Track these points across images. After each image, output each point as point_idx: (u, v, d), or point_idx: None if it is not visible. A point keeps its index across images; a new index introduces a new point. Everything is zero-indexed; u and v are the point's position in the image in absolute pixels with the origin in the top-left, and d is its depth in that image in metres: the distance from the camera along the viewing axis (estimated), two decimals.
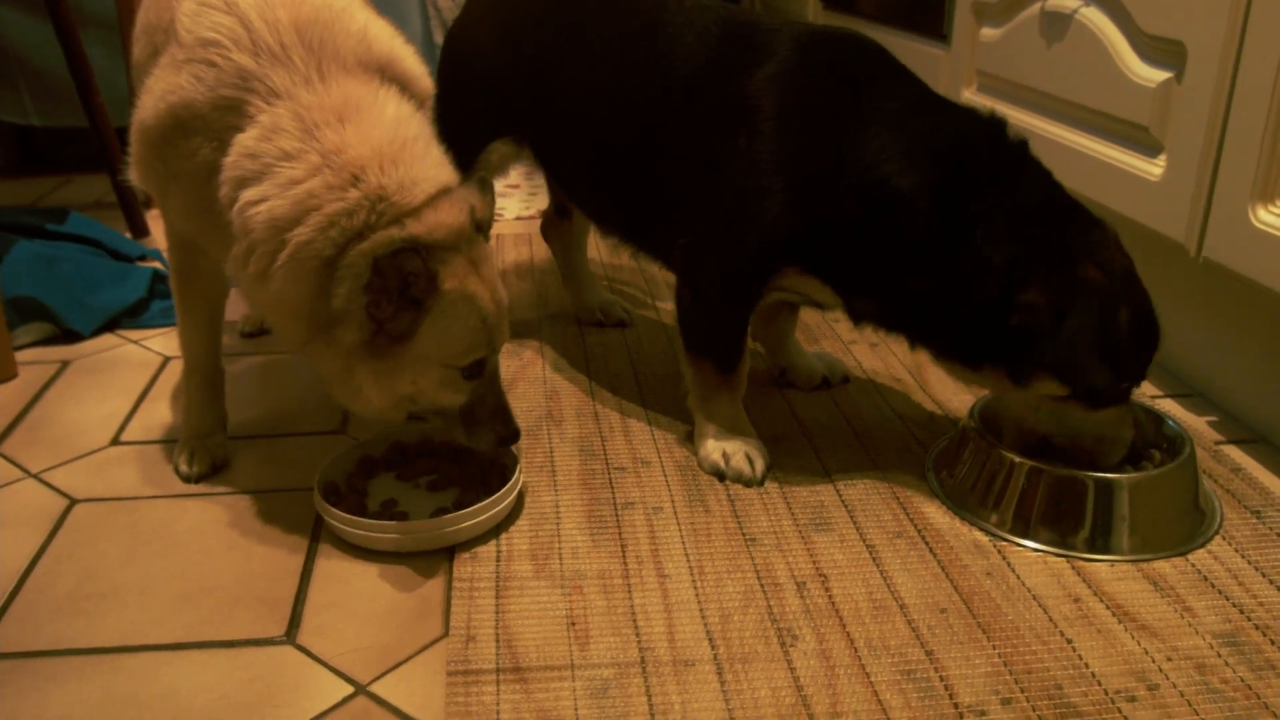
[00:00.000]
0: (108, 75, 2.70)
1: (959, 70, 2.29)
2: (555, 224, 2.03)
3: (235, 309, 1.60)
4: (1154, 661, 1.11)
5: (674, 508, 1.40)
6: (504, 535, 1.34)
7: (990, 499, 1.36)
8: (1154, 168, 1.66)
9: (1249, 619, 1.18)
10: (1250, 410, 1.64)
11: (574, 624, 1.17)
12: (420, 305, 1.21)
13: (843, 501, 1.42)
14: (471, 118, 1.84)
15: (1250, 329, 1.63)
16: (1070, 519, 1.31)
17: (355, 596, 1.25)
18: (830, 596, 1.22)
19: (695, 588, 1.24)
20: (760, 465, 1.47)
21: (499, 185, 2.79)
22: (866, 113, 1.37)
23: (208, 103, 1.24)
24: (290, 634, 1.19)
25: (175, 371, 1.84)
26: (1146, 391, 1.74)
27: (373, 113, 1.25)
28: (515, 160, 1.84)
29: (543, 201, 2.05)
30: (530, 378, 1.78)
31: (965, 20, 2.25)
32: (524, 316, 2.05)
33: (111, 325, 2.03)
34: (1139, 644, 1.14)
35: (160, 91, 1.29)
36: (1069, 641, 1.15)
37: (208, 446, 1.52)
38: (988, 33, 2.18)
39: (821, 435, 1.60)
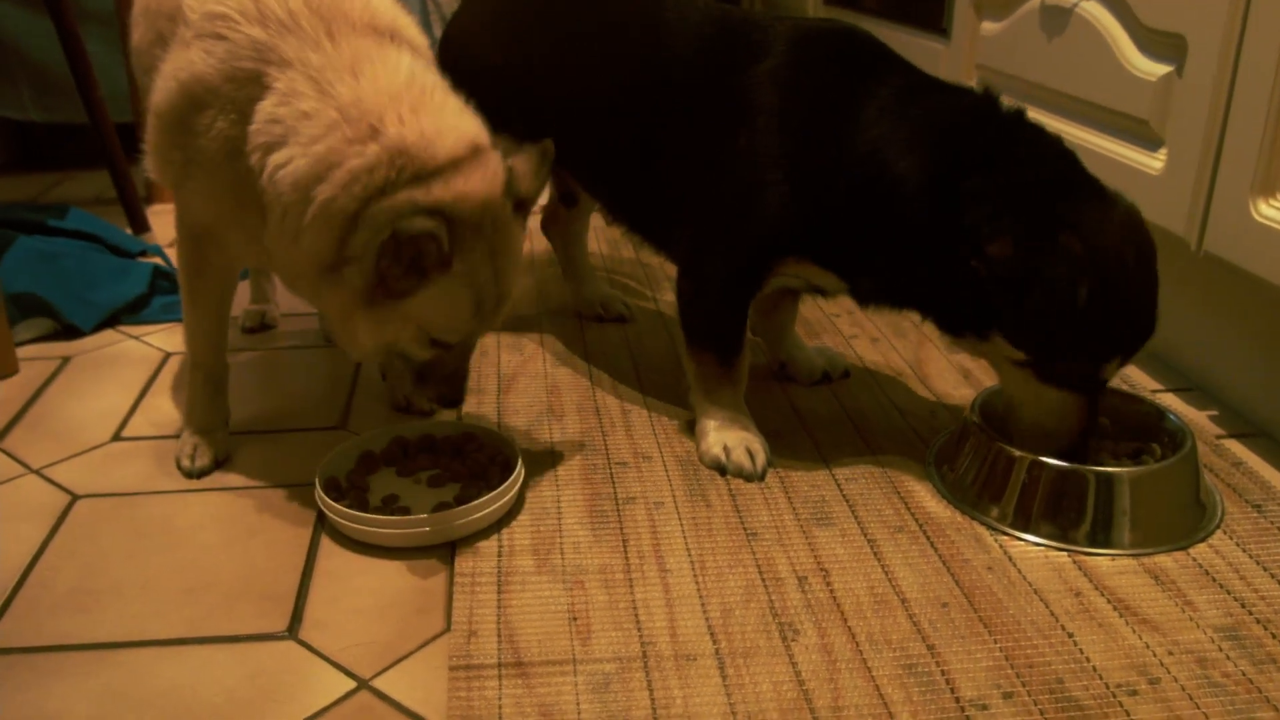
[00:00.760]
0: (107, 70, 2.70)
1: (959, 65, 2.29)
2: (556, 219, 2.03)
3: (236, 305, 1.60)
4: (1155, 655, 1.11)
5: (675, 502, 1.40)
6: (505, 530, 1.34)
7: (991, 493, 1.36)
8: (1154, 161, 1.66)
9: (1250, 613, 1.18)
10: (1251, 404, 1.64)
11: (575, 619, 1.17)
12: (425, 274, 1.21)
13: (844, 496, 1.42)
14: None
15: (1251, 323, 1.63)
16: (1071, 513, 1.31)
17: (357, 592, 1.25)
18: (831, 591, 1.22)
19: (697, 582, 1.24)
20: (761, 459, 1.47)
21: None
22: (861, 102, 1.37)
23: (219, 75, 1.25)
24: (292, 629, 1.19)
25: (176, 367, 1.84)
26: (1147, 385, 1.74)
27: (385, 64, 1.25)
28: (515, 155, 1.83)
29: (543, 197, 2.05)
30: (531, 373, 1.78)
31: (965, 14, 2.24)
32: (524, 312, 2.05)
33: (112, 321, 2.03)
34: (1140, 638, 1.14)
35: (170, 71, 1.30)
36: (1070, 636, 1.15)
37: (210, 442, 1.52)
38: (988, 27, 2.18)
39: (822, 429, 1.60)
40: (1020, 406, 1.38)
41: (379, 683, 1.10)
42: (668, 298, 2.13)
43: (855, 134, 1.36)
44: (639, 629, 1.16)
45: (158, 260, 2.24)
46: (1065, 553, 1.30)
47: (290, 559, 1.31)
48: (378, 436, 1.51)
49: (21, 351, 1.90)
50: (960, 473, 1.42)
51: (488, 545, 1.31)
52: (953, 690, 1.07)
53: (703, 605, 1.20)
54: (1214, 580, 1.24)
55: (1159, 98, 1.64)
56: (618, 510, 1.38)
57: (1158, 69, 1.65)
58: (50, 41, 2.52)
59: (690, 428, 1.56)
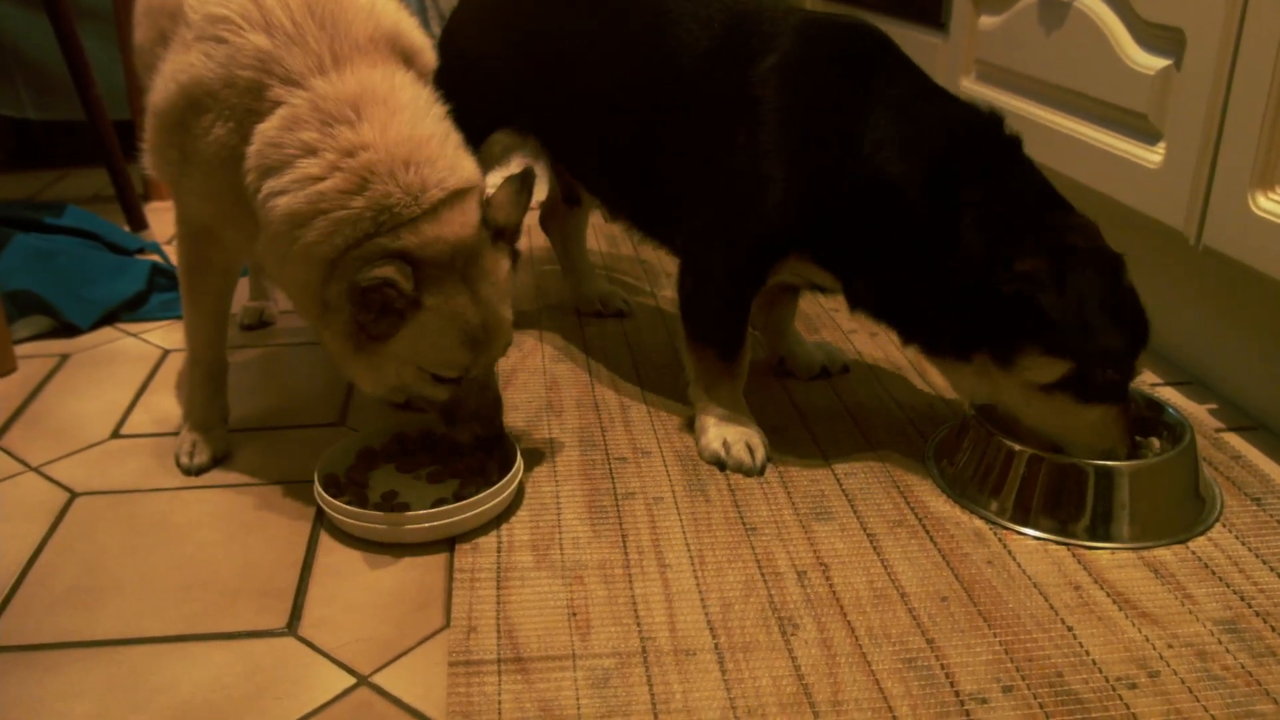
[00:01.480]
0: (104, 68, 2.69)
1: (957, 59, 2.28)
2: (554, 215, 2.03)
3: (235, 302, 1.60)
4: (1155, 649, 1.11)
5: (674, 497, 1.40)
6: (504, 526, 1.34)
7: (991, 487, 1.36)
8: (1153, 155, 1.66)
9: (1250, 606, 1.18)
10: (1250, 397, 1.64)
11: (575, 614, 1.17)
12: (401, 315, 1.24)
13: (843, 490, 1.42)
14: (471, 109, 1.83)
15: (1250, 316, 1.62)
16: (1071, 507, 1.31)
17: (356, 588, 1.25)
18: (831, 585, 1.22)
19: (696, 577, 1.24)
20: (760, 454, 1.47)
21: (498, 177, 2.80)
22: (868, 103, 1.37)
23: (219, 79, 1.25)
24: (291, 626, 1.19)
25: (175, 364, 1.84)
26: (1146, 379, 1.74)
27: (389, 104, 1.26)
28: (518, 150, 1.83)
29: (541, 193, 2.05)
30: (530, 369, 1.78)
31: (964, 8, 2.24)
32: (523, 308, 2.05)
33: (110, 318, 2.03)
34: (1140, 631, 1.14)
35: (170, 73, 1.30)
36: (1070, 629, 1.15)
37: (209, 439, 1.52)
38: (986, 21, 2.17)
39: (821, 424, 1.60)
40: (1067, 435, 1.35)
41: (378, 679, 1.10)
42: (666, 294, 2.13)
43: (858, 136, 1.36)
44: (638, 624, 1.16)
45: (155, 258, 2.23)
46: (1065, 546, 1.29)
47: (289, 555, 1.31)
48: (377, 433, 1.51)
49: (20, 349, 1.90)
50: (960, 467, 1.42)
51: (487, 541, 1.31)
52: (952, 684, 1.07)
53: (702, 600, 1.20)
54: (1213, 573, 1.24)
55: (1157, 91, 1.64)
56: (617, 505, 1.38)
57: (1156, 62, 1.65)
58: (48, 39, 2.52)
59: (690, 423, 1.56)
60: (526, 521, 1.35)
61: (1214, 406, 1.66)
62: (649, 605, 1.19)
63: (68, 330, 1.98)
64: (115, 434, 1.61)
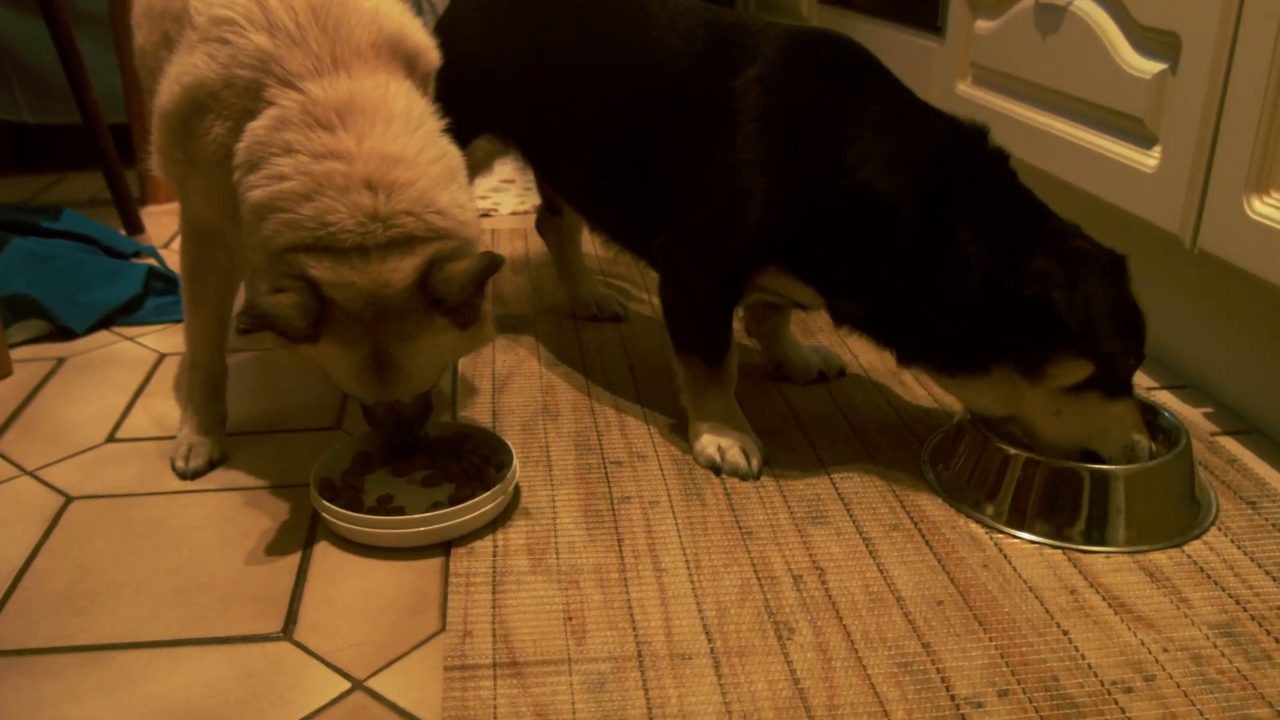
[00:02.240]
0: (101, 72, 2.69)
1: (953, 63, 2.29)
2: (548, 220, 2.03)
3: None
4: (1150, 653, 1.11)
5: (670, 501, 1.40)
6: (500, 530, 1.34)
7: (987, 491, 1.36)
8: (1149, 159, 1.66)
9: (1245, 610, 1.18)
10: (1246, 401, 1.64)
11: (570, 618, 1.17)
12: (303, 339, 1.23)
13: (839, 494, 1.42)
14: (456, 113, 1.84)
15: (1245, 320, 1.63)
16: (1066, 511, 1.31)
17: (352, 592, 1.25)
18: (827, 589, 1.22)
19: (692, 581, 1.24)
20: (756, 459, 1.47)
21: (491, 180, 2.80)
22: (850, 116, 1.37)
23: (221, 80, 1.26)
24: (287, 630, 1.19)
25: (171, 368, 1.84)
26: (1142, 383, 1.74)
27: (376, 115, 1.25)
28: (500, 157, 1.84)
29: (538, 196, 2.05)
30: (526, 372, 1.78)
31: (959, 13, 2.25)
32: (519, 312, 2.05)
33: (106, 322, 2.02)
34: (1135, 635, 1.14)
35: (175, 74, 1.30)
36: (1065, 633, 1.15)
37: (206, 443, 1.52)
38: (982, 25, 2.18)
39: (817, 429, 1.60)
40: (1095, 436, 1.35)
41: (374, 683, 1.10)
42: None
43: (841, 147, 1.36)
44: (634, 628, 1.16)
45: (152, 261, 2.23)
46: (1060, 550, 1.30)
47: (285, 560, 1.31)
48: (372, 437, 1.51)
49: (16, 353, 1.90)
50: (955, 471, 1.42)
51: (482, 545, 1.31)
52: (948, 688, 1.07)
53: (698, 604, 1.19)
54: (1209, 577, 1.24)
55: (1153, 95, 1.65)
56: (613, 510, 1.38)
57: (1152, 66, 1.65)
58: (44, 43, 2.52)
59: (686, 427, 1.56)
60: (522, 526, 1.35)
61: (1209, 410, 1.66)
62: (645, 609, 1.19)
63: (64, 334, 1.98)
64: (111, 438, 1.61)
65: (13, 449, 1.58)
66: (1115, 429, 1.34)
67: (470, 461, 1.45)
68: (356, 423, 1.64)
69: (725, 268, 1.46)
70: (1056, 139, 1.89)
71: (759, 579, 1.24)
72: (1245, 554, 1.28)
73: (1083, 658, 1.11)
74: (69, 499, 1.44)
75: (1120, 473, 1.31)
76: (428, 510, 1.33)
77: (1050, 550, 1.30)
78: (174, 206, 1.52)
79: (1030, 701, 1.05)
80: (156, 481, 1.48)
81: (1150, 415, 1.45)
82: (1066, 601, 1.20)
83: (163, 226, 2.60)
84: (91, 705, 1.07)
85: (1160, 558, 1.28)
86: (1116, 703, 1.04)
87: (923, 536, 1.32)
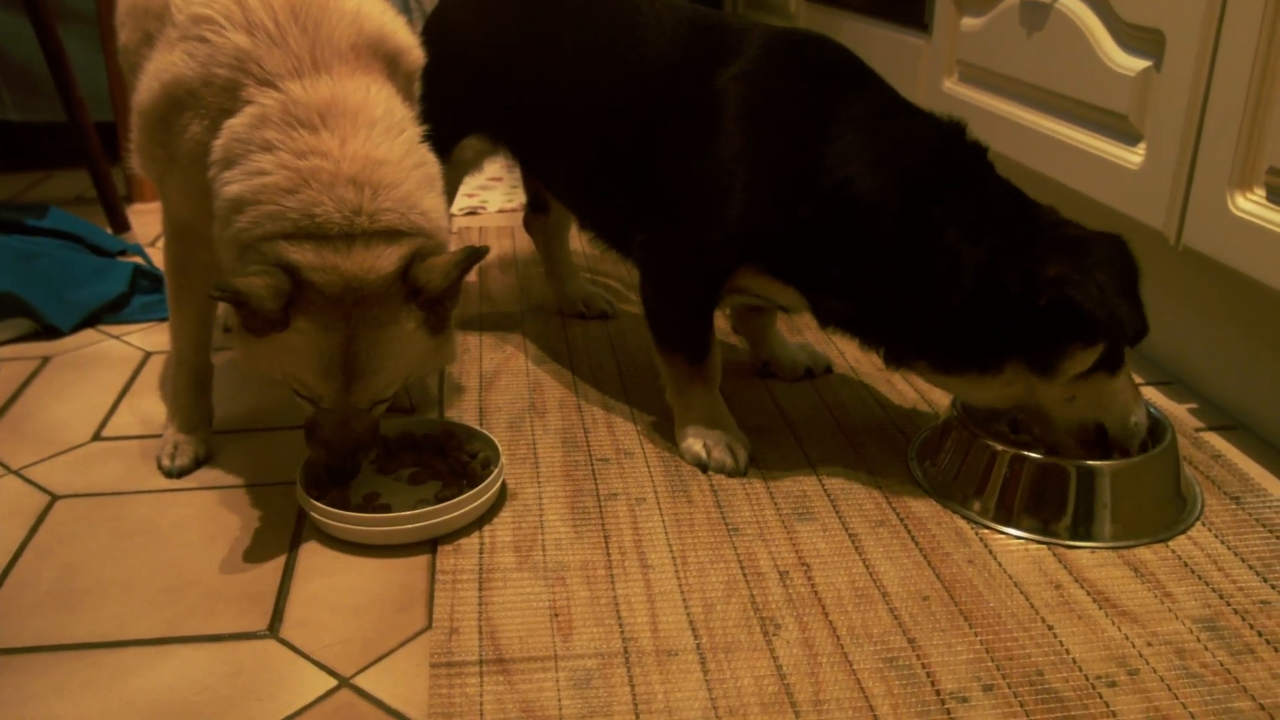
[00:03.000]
0: (87, 70, 2.68)
1: (940, 60, 2.29)
2: (535, 218, 2.03)
3: (219, 305, 1.60)
4: (1134, 647, 1.12)
5: (657, 498, 1.40)
6: (487, 527, 1.34)
7: (974, 488, 1.37)
8: (1133, 156, 1.67)
9: (1228, 604, 1.19)
10: (1229, 397, 1.64)
11: (557, 615, 1.17)
12: (269, 323, 1.20)
13: (825, 491, 1.42)
14: (444, 113, 1.84)
15: (1229, 316, 1.63)
16: (1053, 506, 1.31)
17: (338, 590, 1.25)
18: (813, 585, 1.22)
19: (678, 578, 1.24)
20: (742, 456, 1.47)
21: (479, 178, 2.80)
22: (830, 116, 1.37)
23: (199, 78, 1.26)
24: (273, 627, 1.18)
25: (156, 366, 1.83)
26: None
27: (358, 118, 1.25)
28: (489, 156, 1.84)
29: (524, 194, 2.05)
30: (514, 370, 1.78)
31: (946, 10, 2.25)
32: (507, 310, 2.05)
33: (92, 321, 2.02)
34: (1119, 630, 1.15)
35: (154, 71, 1.30)
36: (1050, 628, 1.15)
37: (192, 441, 1.52)
38: (968, 22, 2.18)
39: (804, 426, 1.60)
40: (1104, 412, 1.35)
41: (360, 680, 1.10)
42: None
43: (821, 149, 1.36)
44: (620, 625, 1.16)
45: (138, 260, 2.23)
46: (1045, 545, 1.30)
47: (271, 557, 1.31)
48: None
49: (1, 351, 1.89)
50: (942, 467, 1.42)
51: (469, 542, 1.31)
52: (933, 683, 1.07)
53: (684, 600, 1.20)
54: (1192, 572, 1.24)
55: (1138, 92, 1.65)
56: (599, 506, 1.38)
57: (1136, 64, 1.66)
58: (29, 41, 2.51)
59: (672, 425, 1.56)
60: (509, 523, 1.35)
61: (1194, 406, 1.67)
62: (631, 606, 1.19)
63: (49, 332, 1.97)
64: (97, 436, 1.60)
65: None
66: (1119, 402, 1.35)
67: (457, 459, 1.45)
68: None
69: (703, 267, 1.46)
70: (1042, 136, 1.90)
71: (745, 575, 1.24)
72: (1229, 549, 1.29)
73: (1067, 652, 1.11)
74: (55, 497, 1.44)
75: (1106, 468, 1.32)
76: (414, 507, 1.33)
77: (1035, 546, 1.30)
78: (159, 205, 1.51)
79: (1015, 696, 1.05)
80: (142, 480, 1.48)
81: None
82: (1051, 596, 1.20)
83: (149, 225, 2.60)
84: (79, 703, 1.07)
85: (1145, 553, 1.28)
86: (1101, 697, 1.05)
87: (909, 532, 1.33)
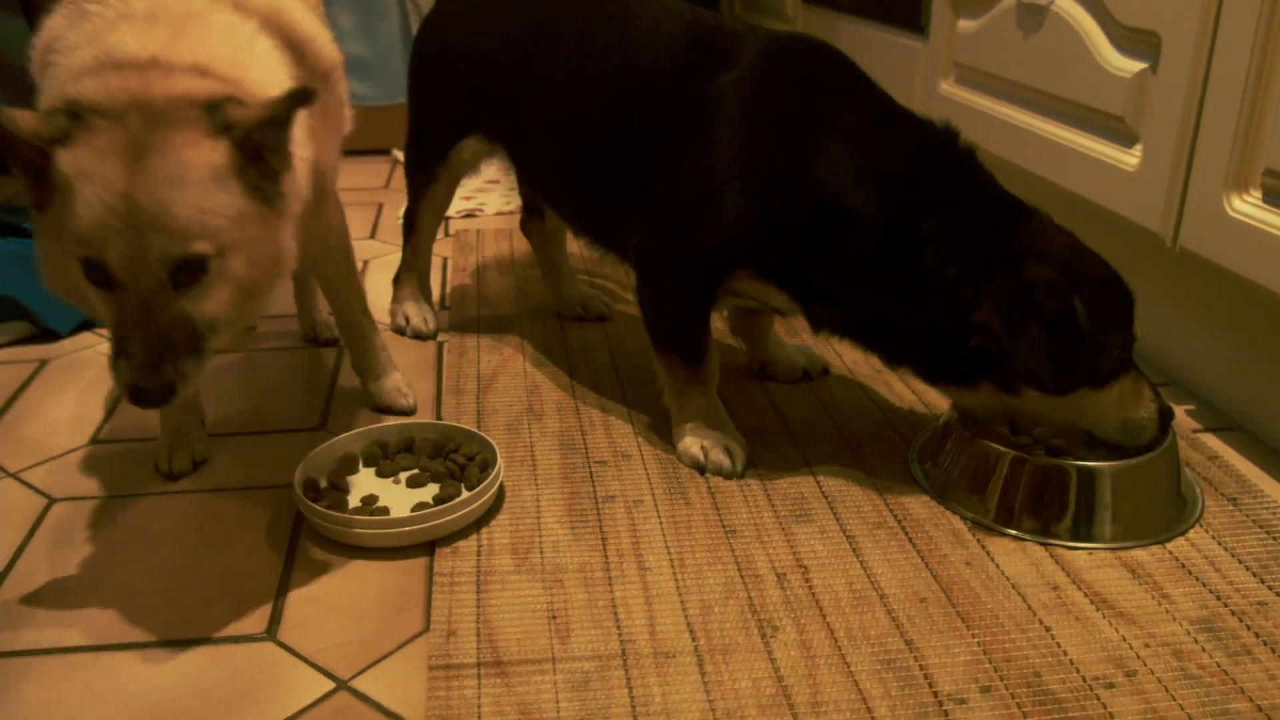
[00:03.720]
0: None
1: (936, 62, 2.29)
2: (531, 221, 2.03)
3: None
4: (1132, 648, 1.12)
5: (654, 501, 1.40)
6: (484, 530, 1.34)
7: (974, 489, 1.37)
8: (1130, 158, 1.67)
9: (1225, 605, 1.19)
10: (1227, 398, 1.65)
11: (555, 617, 1.17)
12: (46, 177, 1.06)
13: (823, 493, 1.42)
14: (442, 114, 1.84)
15: (1226, 317, 1.64)
16: (1053, 507, 1.31)
17: (336, 592, 1.24)
18: (810, 587, 1.22)
19: (676, 580, 1.24)
20: (740, 458, 1.47)
21: (476, 181, 2.80)
22: (824, 124, 1.37)
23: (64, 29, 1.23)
24: (271, 630, 1.18)
25: None
26: None
27: (189, 19, 1.20)
28: (487, 158, 1.84)
29: (520, 197, 2.06)
30: (511, 372, 1.78)
31: (943, 12, 2.25)
32: (504, 311, 2.05)
33: (88, 324, 2.02)
34: (1117, 631, 1.15)
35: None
36: (1048, 629, 1.15)
37: (187, 444, 1.51)
38: (965, 25, 2.19)
39: (802, 428, 1.60)
40: (1098, 424, 1.36)
41: (358, 683, 1.10)
42: None
43: (813, 157, 1.36)
44: (618, 627, 1.16)
45: None
46: (1043, 547, 1.30)
47: (269, 560, 1.31)
48: (356, 437, 1.51)
49: None
50: (943, 469, 1.42)
51: (467, 545, 1.31)
52: (931, 684, 1.07)
53: (682, 603, 1.20)
54: (1190, 573, 1.25)
55: (1134, 94, 1.65)
56: (597, 509, 1.38)
57: (1133, 66, 1.66)
58: (25, 42, 2.51)
59: (670, 427, 1.56)
60: (506, 525, 1.35)
61: (1191, 407, 1.67)
62: (629, 608, 1.19)
63: (47, 336, 1.97)
64: (94, 440, 1.60)
65: None
66: (1110, 413, 1.34)
67: (454, 461, 1.45)
68: (340, 423, 1.63)
69: (697, 270, 1.46)
70: (1038, 138, 1.90)
71: (743, 577, 1.24)
72: (1226, 550, 1.29)
73: (1065, 654, 1.11)
74: (51, 501, 1.44)
75: (1107, 469, 1.32)
76: (412, 510, 1.33)
77: (1033, 547, 1.30)
78: None
79: (1013, 697, 1.05)
80: (139, 483, 1.48)
81: None
82: (1049, 598, 1.20)
83: None
84: (78, 707, 1.07)
85: (1142, 554, 1.28)
86: (1098, 698, 1.05)
87: (906, 534, 1.33)
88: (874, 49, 2.54)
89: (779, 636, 1.14)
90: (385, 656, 1.14)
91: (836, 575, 1.25)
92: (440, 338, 1.94)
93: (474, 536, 1.32)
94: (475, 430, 1.50)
